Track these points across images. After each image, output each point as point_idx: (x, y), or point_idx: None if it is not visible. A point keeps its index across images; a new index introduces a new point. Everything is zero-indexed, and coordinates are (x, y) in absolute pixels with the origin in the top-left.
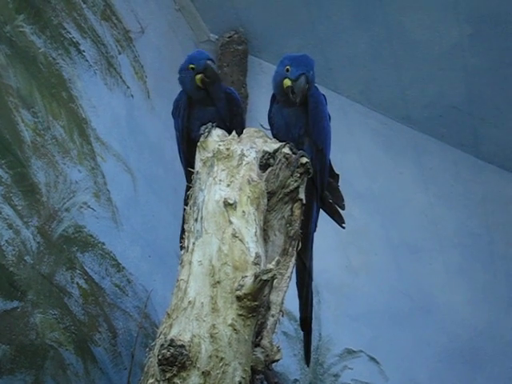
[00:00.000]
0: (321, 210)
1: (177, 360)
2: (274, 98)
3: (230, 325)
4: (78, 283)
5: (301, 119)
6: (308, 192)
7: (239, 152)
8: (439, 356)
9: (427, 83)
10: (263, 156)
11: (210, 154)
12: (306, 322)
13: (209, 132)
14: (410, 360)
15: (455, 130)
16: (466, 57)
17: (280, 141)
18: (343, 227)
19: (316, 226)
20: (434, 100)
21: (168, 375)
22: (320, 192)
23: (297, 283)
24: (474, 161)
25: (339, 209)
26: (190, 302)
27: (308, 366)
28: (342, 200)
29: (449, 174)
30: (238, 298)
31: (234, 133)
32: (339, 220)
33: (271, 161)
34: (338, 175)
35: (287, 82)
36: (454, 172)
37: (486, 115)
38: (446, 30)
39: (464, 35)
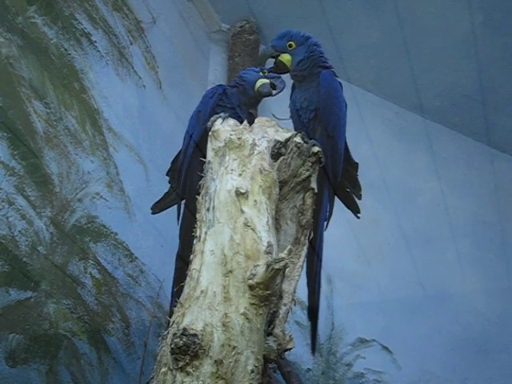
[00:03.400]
0: (336, 199)
1: (189, 349)
2: (292, 89)
3: (242, 314)
4: (91, 273)
5: (312, 103)
6: (319, 180)
7: (251, 141)
8: (452, 345)
9: (439, 72)
10: (275, 145)
11: (221, 144)
12: (312, 311)
13: (224, 119)
14: (422, 349)
15: (468, 119)
16: (478, 45)
17: (294, 128)
18: (358, 217)
19: (328, 214)
20: (447, 89)
21: (181, 364)
22: (333, 179)
23: (306, 272)
24: (487, 149)
25: (356, 198)
26: (202, 291)
27: (313, 354)
28: (360, 189)
29: (461, 163)
30: (250, 287)
31: (245, 122)
32: (355, 209)
33: (283, 150)
34: (356, 164)
35: None
36: (466, 161)
37: (499, 104)
38: (458, 19)
39: (476, 23)
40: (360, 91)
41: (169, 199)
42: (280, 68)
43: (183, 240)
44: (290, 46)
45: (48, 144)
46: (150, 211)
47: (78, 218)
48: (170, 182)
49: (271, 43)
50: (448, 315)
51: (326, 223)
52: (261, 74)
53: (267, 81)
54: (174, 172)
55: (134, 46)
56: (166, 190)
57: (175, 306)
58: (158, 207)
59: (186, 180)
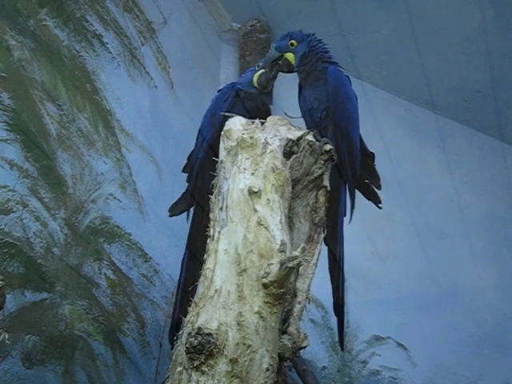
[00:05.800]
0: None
1: (204, 348)
2: (300, 87)
3: (256, 312)
4: (105, 274)
5: (322, 102)
6: (335, 178)
7: (263, 140)
8: (467, 341)
9: (451, 68)
10: (287, 144)
11: (233, 143)
12: (337, 307)
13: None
14: (437, 346)
15: (480, 115)
16: (489, 40)
17: (307, 127)
18: (380, 207)
19: (351, 208)
20: (458, 85)
21: (196, 363)
22: (352, 173)
23: (329, 269)
24: (500, 145)
25: (375, 189)
26: (216, 290)
27: (342, 350)
28: (379, 180)
29: (474, 159)
30: (265, 286)
31: (257, 121)
32: (376, 200)
33: (295, 148)
34: (373, 154)
35: None
36: (479, 157)
37: (511, 99)
38: (469, 14)
39: (487, 19)
40: (371, 88)
41: (186, 202)
42: (285, 66)
43: (191, 237)
44: (292, 44)
45: (61, 146)
46: (168, 213)
47: (92, 219)
48: (188, 181)
49: (274, 45)
50: (463, 311)
51: (350, 217)
52: (256, 68)
53: (260, 72)
54: (189, 167)
55: (145, 46)
56: (183, 191)
57: (189, 306)
58: (176, 209)
59: (197, 181)
